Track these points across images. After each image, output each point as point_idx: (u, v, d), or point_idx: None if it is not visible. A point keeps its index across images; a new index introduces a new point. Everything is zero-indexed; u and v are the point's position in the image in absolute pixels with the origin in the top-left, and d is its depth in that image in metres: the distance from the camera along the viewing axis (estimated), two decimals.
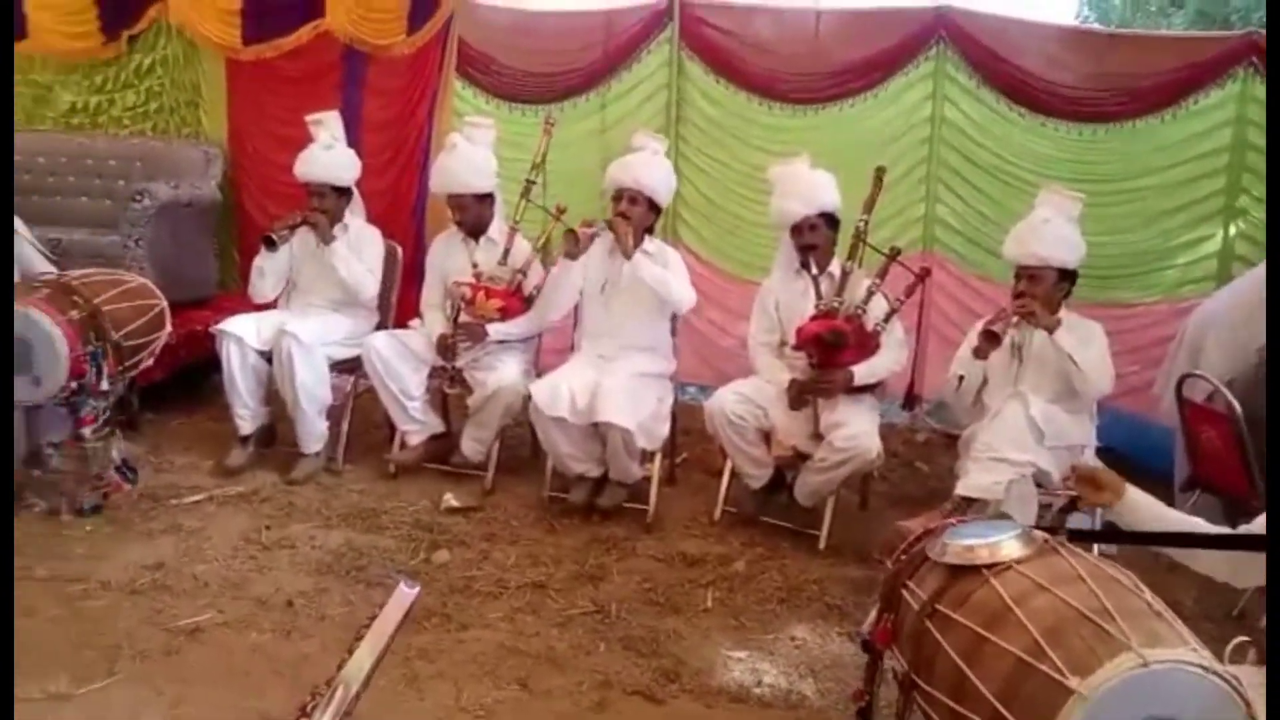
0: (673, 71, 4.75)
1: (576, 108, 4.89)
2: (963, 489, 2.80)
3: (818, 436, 3.08)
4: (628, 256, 3.36)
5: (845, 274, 3.17)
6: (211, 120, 5.21)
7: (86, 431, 3.14)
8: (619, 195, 3.47)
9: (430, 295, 3.85)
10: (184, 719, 2.21)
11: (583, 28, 4.86)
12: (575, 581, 2.90)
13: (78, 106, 5.38)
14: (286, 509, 3.36)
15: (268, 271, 3.74)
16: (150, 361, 3.44)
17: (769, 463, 3.23)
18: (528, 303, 3.64)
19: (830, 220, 3.27)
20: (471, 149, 3.67)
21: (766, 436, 3.23)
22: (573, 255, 3.31)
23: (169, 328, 3.47)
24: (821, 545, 3.16)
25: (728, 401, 3.17)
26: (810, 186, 3.24)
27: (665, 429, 3.38)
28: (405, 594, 1.24)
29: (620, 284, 3.45)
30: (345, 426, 3.77)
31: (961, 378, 3.04)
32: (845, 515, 3.33)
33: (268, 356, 3.63)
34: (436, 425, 3.72)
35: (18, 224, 3.53)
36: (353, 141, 4.21)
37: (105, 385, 3.09)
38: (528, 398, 3.53)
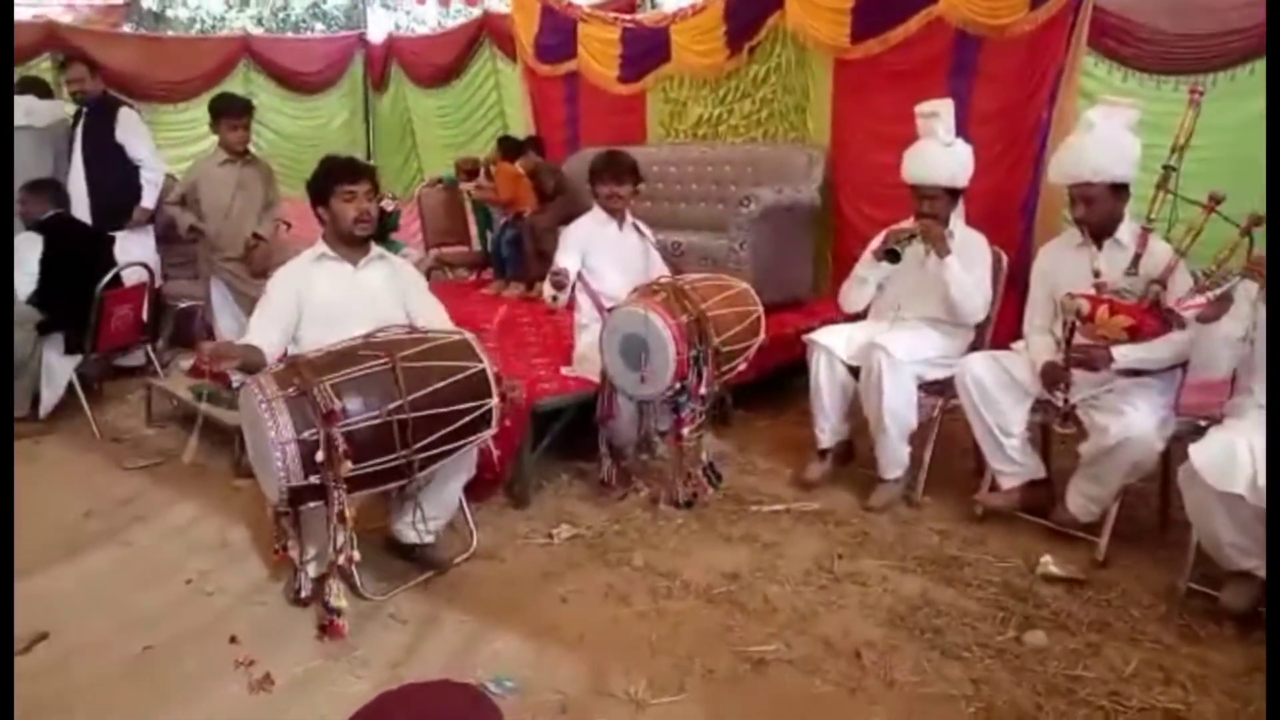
0: None
1: (1254, 74, 3.79)
2: None
3: None
4: None
5: None
6: (816, 123, 5.26)
7: (685, 431, 3.28)
8: None
9: (1036, 314, 3.26)
10: None
11: None
12: None
13: (703, 118, 5.90)
14: (860, 538, 3.13)
15: (871, 281, 3.51)
16: (744, 366, 3.49)
17: None
18: (1167, 322, 2.84)
19: None
20: (1111, 129, 2.99)
21: None
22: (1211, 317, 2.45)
23: (763, 334, 3.48)
24: None
25: None
26: None
27: None
28: None
29: None
30: (928, 454, 3.40)
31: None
32: None
33: (854, 370, 3.45)
34: (1036, 469, 3.14)
35: (646, 230, 3.87)
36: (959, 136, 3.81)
37: (704, 390, 3.18)
38: (1167, 453, 2.79)
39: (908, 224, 3.42)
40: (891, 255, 3.33)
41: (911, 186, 3.43)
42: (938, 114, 3.43)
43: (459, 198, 7.15)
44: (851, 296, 3.60)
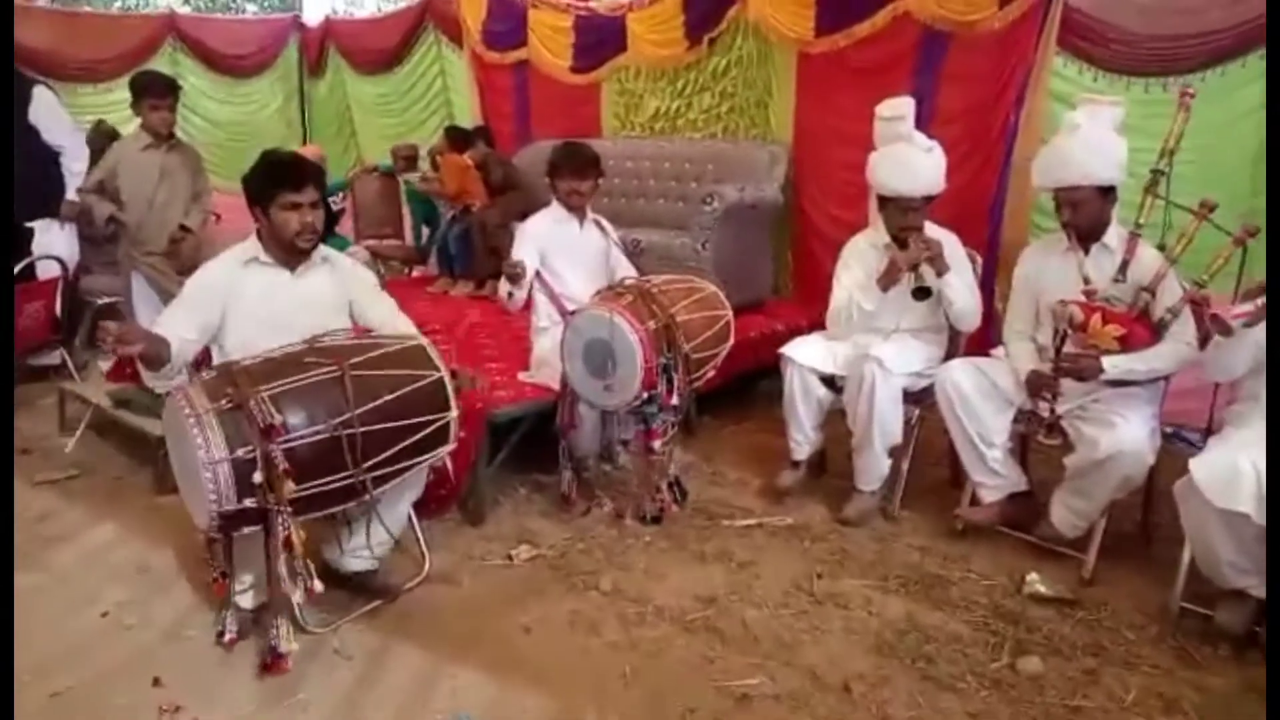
0: None
1: (1225, 76, 3.75)
2: None
3: None
4: None
5: None
6: (778, 119, 5.11)
7: (656, 444, 3.09)
8: None
9: (1018, 320, 3.14)
10: None
11: None
12: None
13: (661, 111, 5.70)
14: (839, 555, 2.98)
15: (876, 311, 3.23)
16: (713, 373, 3.31)
17: None
18: (1158, 332, 2.75)
19: None
20: (1097, 129, 2.87)
21: None
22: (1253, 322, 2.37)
23: (732, 340, 3.30)
24: None
25: None
26: None
27: None
28: None
29: None
30: (905, 466, 3.27)
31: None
32: None
33: (827, 380, 3.30)
34: (1018, 482, 3.03)
35: (608, 227, 3.66)
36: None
37: (675, 400, 2.99)
38: (1155, 465, 2.70)
39: (886, 242, 3.24)
40: (923, 293, 3.12)
41: (889, 198, 3.20)
42: (904, 117, 3.20)
43: (395, 188, 6.82)
44: (849, 327, 3.27)
